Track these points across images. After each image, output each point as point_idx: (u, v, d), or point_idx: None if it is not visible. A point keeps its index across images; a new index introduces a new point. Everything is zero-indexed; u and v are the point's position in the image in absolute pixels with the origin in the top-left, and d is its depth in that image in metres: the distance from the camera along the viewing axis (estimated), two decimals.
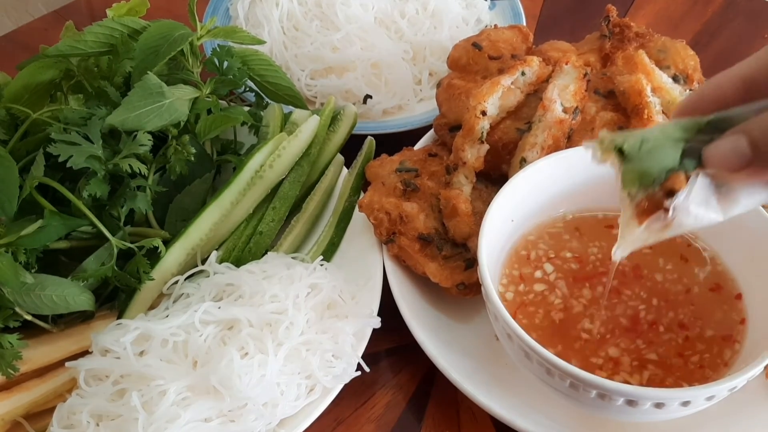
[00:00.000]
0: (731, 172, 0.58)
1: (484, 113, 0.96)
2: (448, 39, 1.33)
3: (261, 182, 1.03)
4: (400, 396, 0.96)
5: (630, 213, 0.64)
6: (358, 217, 1.06)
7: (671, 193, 0.61)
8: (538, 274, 0.90)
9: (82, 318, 0.93)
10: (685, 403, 0.74)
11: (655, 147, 0.60)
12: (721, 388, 0.73)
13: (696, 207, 0.61)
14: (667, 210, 0.61)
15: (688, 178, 0.60)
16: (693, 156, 0.59)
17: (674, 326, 0.85)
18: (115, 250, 0.91)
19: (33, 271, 0.87)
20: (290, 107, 1.15)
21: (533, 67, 1.01)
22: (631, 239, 0.67)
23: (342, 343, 0.89)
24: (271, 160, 1.04)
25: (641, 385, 0.79)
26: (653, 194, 0.61)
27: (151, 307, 0.95)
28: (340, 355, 0.89)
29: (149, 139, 0.94)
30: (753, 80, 0.60)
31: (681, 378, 0.81)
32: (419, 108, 1.30)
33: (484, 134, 0.96)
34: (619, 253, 0.71)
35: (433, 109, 1.17)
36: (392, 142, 1.12)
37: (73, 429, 0.82)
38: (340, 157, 1.13)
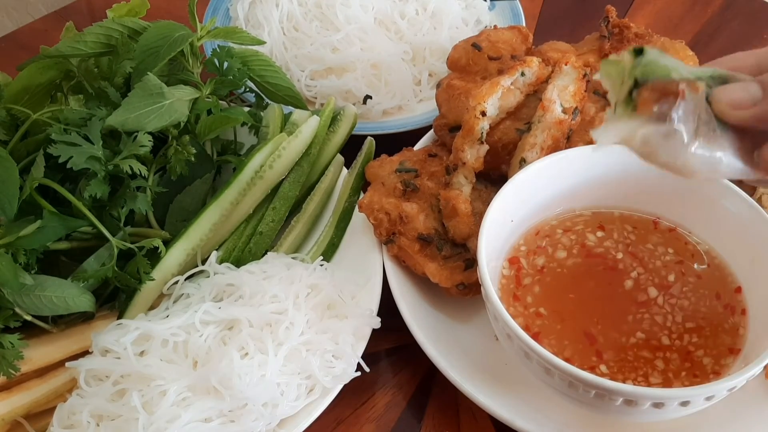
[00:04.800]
0: (736, 109, 0.62)
1: (483, 114, 0.96)
2: (447, 40, 1.33)
3: (261, 182, 1.03)
4: (400, 396, 0.97)
5: (623, 109, 0.65)
6: (358, 217, 1.06)
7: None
8: (538, 272, 0.90)
9: (83, 318, 0.93)
10: (685, 403, 0.74)
11: (673, 65, 0.63)
12: (720, 388, 0.73)
13: (693, 129, 0.63)
14: (677, 94, 0.62)
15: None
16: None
17: (676, 327, 0.85)
18: (116, 251, 0.91)
19: (33, 272, 0.87)
20: (290, 108, 1.15)
21: (533, 67, 1.01)
22: (619, 127, 0.65)
23: (342, 343, 0.89)
24: (271, 160, 1.04)
25: (642, 384, 0.80)
26: (664, 86, 0.62)
27: (152, 308, 0.95)
28: (340, 355, 0.89)
29: (149, 140, 0.94)
30: (765, 65, 0.66)
31: (684, 373, 0.81)
32: (419, 108, 1.30)
33: (484, 134, 0.97)
34: (600, 133, 0.67)
35: (433, 109, 1.17)
36: (392, 143, 1.12)
37: (73, 429, 0.82)
38: (340, 158, 1.13)
